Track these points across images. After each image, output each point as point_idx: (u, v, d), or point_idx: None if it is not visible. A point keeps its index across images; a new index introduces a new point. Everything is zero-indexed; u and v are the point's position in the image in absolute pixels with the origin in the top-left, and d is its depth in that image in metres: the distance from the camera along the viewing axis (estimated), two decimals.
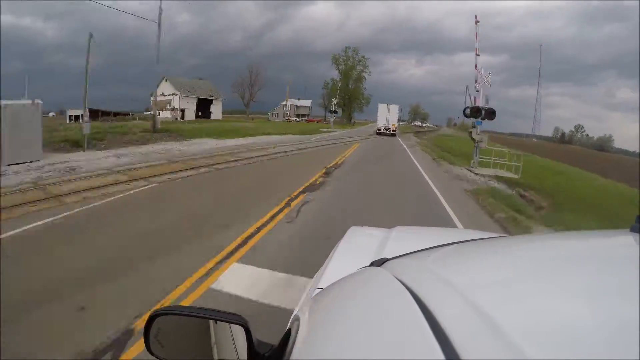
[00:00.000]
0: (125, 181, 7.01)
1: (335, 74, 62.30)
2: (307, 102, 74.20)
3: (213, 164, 9.58)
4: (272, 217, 5.25)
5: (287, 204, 6.02)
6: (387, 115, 34.15)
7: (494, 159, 13.57)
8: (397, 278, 0.56)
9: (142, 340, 0.76)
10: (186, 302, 2.89)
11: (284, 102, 66.04)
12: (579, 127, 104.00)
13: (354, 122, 66.38)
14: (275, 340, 0.77)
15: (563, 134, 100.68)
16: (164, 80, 42.20)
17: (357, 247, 1.50)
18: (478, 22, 13.89)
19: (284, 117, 63.00)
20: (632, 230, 0.60)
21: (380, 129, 33.77)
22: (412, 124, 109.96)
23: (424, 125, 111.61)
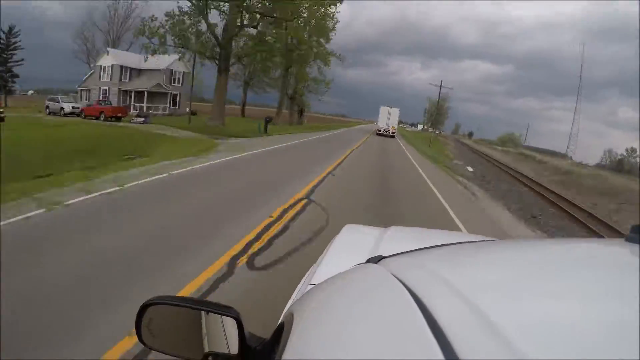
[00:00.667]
0: None
1: None
2: (166, 60, 27.42)
3: None
4: None
5: None
6: (388, 118, 34.86)
7: None
8: (394, 275, 0.56)
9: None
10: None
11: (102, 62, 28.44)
12: (631, 151, 72.03)
13: (303, 117, 34.92)
14: (267, 334, 0.76)
15: (620, 160, 69.37)
16: None
17: (351, 245, 1.51)
18: None
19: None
20: (628, 240, 0.61)
21: (380, 130, 35.33)
22: (431, 129, 66.75)
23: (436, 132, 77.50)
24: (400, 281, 0.52)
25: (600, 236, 7.74)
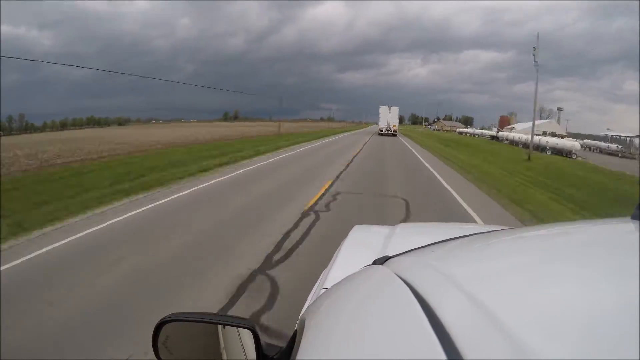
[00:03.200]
0: None
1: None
2: None
3: None
4: None
5: None
6: (388, 117, 35.15)
7: None
8: (398, 276, 0.56)
9: None
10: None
11: None
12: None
13: None
14: (283, 343, 0.77)
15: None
16: None
17: (361, 246, 1.51)
18: None
19: None
20: (633, 217, 0.60)
21: (382, 130, 35.04)
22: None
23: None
24: (405, 281, 0.53)
25: None
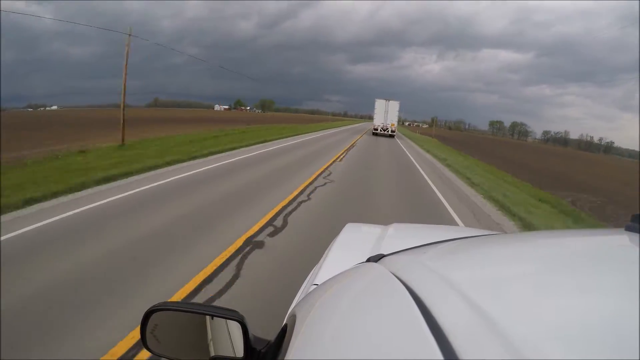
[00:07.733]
0: None
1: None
2: None
3: None
4: None
5: None
6: (386, 113, 28.17)
7: None
8: (393, 274, 0.56)
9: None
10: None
11: None
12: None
13: None
14: (271, 336, 0.77)
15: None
16: None
17: (353, 244, 1.51)
18: None
19: None
20: (627, 229, 0.61)
21: (376, 129, 28.41)
22: None
23: None
24: (400, 280, 0.52)
25: None
